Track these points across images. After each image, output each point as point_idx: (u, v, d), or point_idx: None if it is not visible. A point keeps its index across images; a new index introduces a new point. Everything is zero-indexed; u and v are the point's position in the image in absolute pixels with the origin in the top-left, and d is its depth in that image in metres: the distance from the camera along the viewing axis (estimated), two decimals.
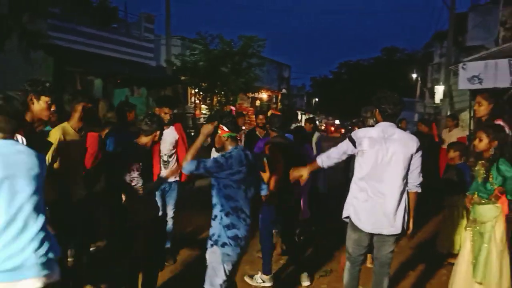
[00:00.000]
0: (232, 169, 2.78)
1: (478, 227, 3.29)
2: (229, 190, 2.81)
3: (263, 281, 3.97)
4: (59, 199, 3.20)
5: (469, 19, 20.02)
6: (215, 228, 2.84)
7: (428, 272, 4.44)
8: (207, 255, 2.86)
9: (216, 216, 2.85)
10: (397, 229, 3.02)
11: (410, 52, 49.02)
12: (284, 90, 31.32)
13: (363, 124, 7.42)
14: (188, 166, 2.79)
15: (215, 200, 2.86)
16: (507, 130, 3.73)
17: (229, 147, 2.90)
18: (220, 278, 2.80)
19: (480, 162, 3.37)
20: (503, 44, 13.52)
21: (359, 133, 3.12)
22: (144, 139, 3.29)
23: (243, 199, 2.87)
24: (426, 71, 29.91)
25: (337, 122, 55.39)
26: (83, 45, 12.95)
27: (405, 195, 3.05)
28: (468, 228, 3.42)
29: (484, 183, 3.27)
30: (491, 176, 3.22)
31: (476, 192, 3.35)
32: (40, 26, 10.58)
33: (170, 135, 4.22)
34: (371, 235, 3.11)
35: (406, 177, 3.03)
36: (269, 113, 8.94)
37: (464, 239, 3.42)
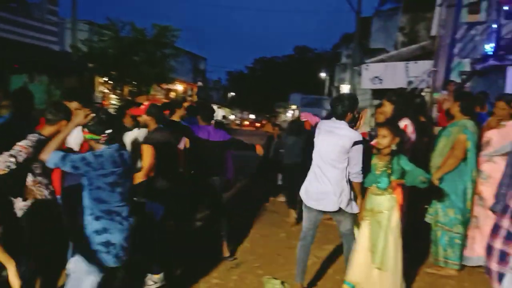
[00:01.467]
0: (104, 169, 2.54)
1: (375, 217, 3.54)
2: (101, 193, 2.57)
3: (154, 282, 3.63)
4: None
5: (373, 24, 21.61)
6: (85, 232, 2.60)
7: (331, 256, 4.68)
8: (71, 264, 2.59)
9: (85, 220, 2.60)
10: (332, 207, 3.45)
11: (320, 52, 51.61)
12: (200, 83, 31.00)
13: (276, 119, 7.54)
14: (52, 157, 2.49)
15: (84, 202, 2.61)
16: (411, 128, 4.09)
17: (99, 147, 2.67)
18: None
19: (377, 156, 3.63)
20: (401, 48, 14.84)
21: (318, 124, 3.74)
22: (47, 129, 3.01)
23: (119, 202, 2.63)
24: (334, 70, 31.72)
25: (252, 116, 56.42)
26: None
27: (343, 182, 3.44)
28: (365, 217, 3.66)
29: (383, 175, 3.53)
30: (389, 169, 3.48)
31: (374, 184, 3.61)
32: None
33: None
34: (319, 213, 3.59)
35: (344, 166, 3.44)
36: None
37: (362, 227, 3.66)
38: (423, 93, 10.82)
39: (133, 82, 15.82)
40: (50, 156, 2.50)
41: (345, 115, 3.45)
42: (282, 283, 3.85)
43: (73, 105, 3.69)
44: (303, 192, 3.63)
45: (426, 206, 4.43)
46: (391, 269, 3.40)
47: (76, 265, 2.55)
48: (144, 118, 3.91)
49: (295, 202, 5.87)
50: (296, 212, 5.95)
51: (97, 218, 2.57)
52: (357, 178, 3.48)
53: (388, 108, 4.37)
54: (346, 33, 26.95)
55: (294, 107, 41.33)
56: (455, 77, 11.16)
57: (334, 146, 3.41)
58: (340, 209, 3.45)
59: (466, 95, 4.47)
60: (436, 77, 10.51)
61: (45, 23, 14.67)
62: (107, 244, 2.55)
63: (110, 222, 2.58)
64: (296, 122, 6.92)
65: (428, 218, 4.35)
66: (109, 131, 2.68)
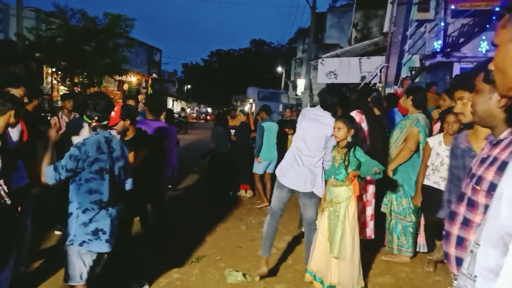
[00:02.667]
0: (89, 157, 2.55)
1: (333, 207, 3.63)
2: (91, 184, 2.59)
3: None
4: None
5: (327, 20, 22.05)
6: (71, 227, 2.62)
7: (290, 247, 4.75)
8: (65, 248, 2.66)
9: (71, 214, 2.62)
10: (307, 189, 3.68)
11: (276, 46, 51.90)
12: (154, 75, 30.25)
13: (235, 112, 7.45)
14: (48, 174, 2.52)
15: (71, 195, 2.62)
16: (358, 119, 4.21)
17: (90, 131, 2.73)
18: (77, 270, 2.64)
19: (335, 148, 3.72)
20: (355, 44, 15.26)
21: (302, 111, 3.99)
22: None
23: (108, 190, 2.65)
24: (290, 64, 32.05)
25: (209, 110, 55.99)
26: None
27: (318, 168, 3.70)
28: (325, 208, 3.74)
29: (341, 167, 3.62)
30: (347, 161, 3.57)
31: (333, 176, 3.70)
32: None
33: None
34: (291, 193, 3.80)
35: (321, 154, 3.70)
36: (140, 98, 8.57)
37: (322, 218, 3.75)
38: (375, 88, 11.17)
39: (84, 73, 15.18)
40: (46, 175, 2.53)
41: (333, 106, 3.74)
42: (244, 275, 3.87)
43: (19, 91, 3.48)
44: (279, 171, 3.83)
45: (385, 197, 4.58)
46: (348, 258, 3.49)
47: (68, 248, 2.62)
48: (121, 124, 3.39)
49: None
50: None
51: (84, 211, 2.60)
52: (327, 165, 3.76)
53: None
54: (301, 28, 27.29)
55: (251, 100, 41.47)
56: (405, 72, 11.65)
57: (317, 134, 3.65)
58: (310, 193, 3.69)
59: (417, 90, 4.65)
60: (388, 72, 10.89)
61: None
62: (96, 232, 2.62)
63: (97, 212, 2.62)
64: (221, 115, 8.02)
65: (383, 208, 4.52)
66: (97, 118, 2.69)
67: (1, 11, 14.81)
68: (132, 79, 26.40)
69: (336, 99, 3.73)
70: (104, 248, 2.67)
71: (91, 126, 2.71)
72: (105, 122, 2.74)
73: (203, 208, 6.32)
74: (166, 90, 36.68)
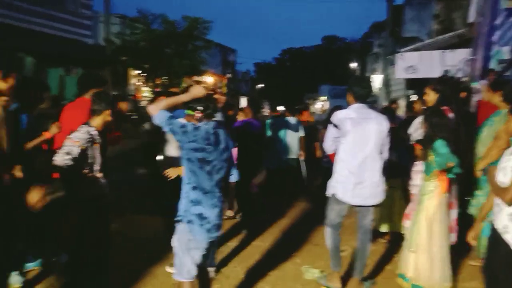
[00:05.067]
0: (196, 142, 2.57)
1: (418, 200, 3.51)
2: (192, 166, 2.62)
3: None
4: None
5: (405, 12, 21.04)
6: (183, 202, 2.69)
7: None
8: (174, 242, 2.71)
9: (183, 189, 2.70)
10: (379, 199, 3.42)
11: (349, 41, 50.61)
12: (229, 75, 31.09)
13: (309, 110, 7.27)
14: (160, 114, 2.57)
15: (185, 171, 2.68)
16: (449, 115, 3.98)
17: (196, 123, 2.70)
18: (186, 266, 2.65)
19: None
20: (436, 37, 14.39)
21: (338, 116, 3.42)
22: (95, 120, 3.10)
23: (207, 181, 2.65)
24: (365, 60, 31.09)
25: (281, 108, 56.30)
26: (13, 19, 11.94)
27: (381, 168, 3.40)
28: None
29: (427, 162, 3.48)
30: (430, 155, 3.42)
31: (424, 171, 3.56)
32: None
33: None
34: (351, 206, 3.44)
35: (381, 152, 3.40)
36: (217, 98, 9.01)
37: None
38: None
39: (165, 75, 16.03)
40: (158, 114, 2.58)
41: (368, 97, 3.48)
42: (321, 272, 3.87)
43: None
44: (342, 192, 3.37)
45: (467, 198, 4.31)
46: (424, 251, 3.34)
47: (177, 243, 2.69)
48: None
49: None
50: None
51: (194, 188, 2.63)
52: (384, 164, 3.46)
53: (431, 96, 4.19)
54: (376, 21, 26.34)
55: (323, 98, 40.92)
56: (494, 66, 10.75)
57: (376, 133, 3.34)
58: None
59: (506, 83, 4.28)
60: (474, 66, 10.14)
61: (79, 16, 15.06)
62: (200, 216, 2.61)
63: (203, 195, 2.64)
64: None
65: (471, 210, 4.24)
66: (201, 108, 2.68)
67: (92, 18, 16.13)
68: (209, 79, 27.36)
69: (368, 88, 3.48)
70: (204, 236, 2.65)
71: (195, 117, 2.71)
72: (209, 111, 2.71)
73: (275, 206, 6.35)
74: (239, 90, 37.52)
